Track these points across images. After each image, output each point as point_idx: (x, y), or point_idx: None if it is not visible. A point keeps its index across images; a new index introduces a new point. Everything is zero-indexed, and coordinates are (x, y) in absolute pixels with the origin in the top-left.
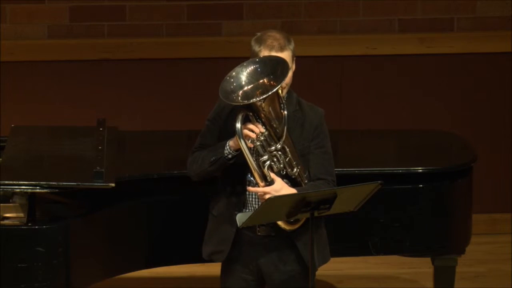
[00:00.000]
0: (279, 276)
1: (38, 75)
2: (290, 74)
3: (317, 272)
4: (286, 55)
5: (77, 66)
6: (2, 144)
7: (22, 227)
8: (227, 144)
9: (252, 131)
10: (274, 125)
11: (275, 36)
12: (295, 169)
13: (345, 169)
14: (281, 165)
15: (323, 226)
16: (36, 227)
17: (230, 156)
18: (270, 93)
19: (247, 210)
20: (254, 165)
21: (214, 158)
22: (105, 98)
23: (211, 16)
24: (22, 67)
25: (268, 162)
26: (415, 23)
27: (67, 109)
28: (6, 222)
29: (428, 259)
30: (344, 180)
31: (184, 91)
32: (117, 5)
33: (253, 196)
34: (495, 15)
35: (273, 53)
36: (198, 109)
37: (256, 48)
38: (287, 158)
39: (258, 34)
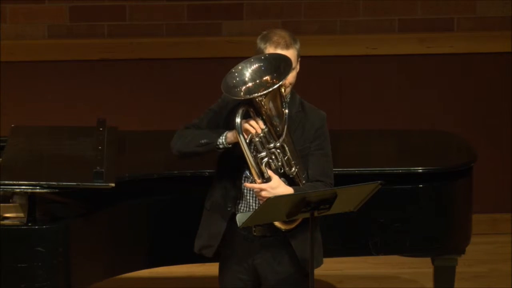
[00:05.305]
0: (274, 276)
1: (38, 75)
2: (294, 73)
3: (317, 272)
4: (291, 53)
5: (77, 66)
6: (2, 144)
7: (22, 227)
8: (224, 134)
9: (252, 126)
10: (275, 123)
11: (281, 34)
12: (293, 169)
13: (345, 169)
14: (279, 163)
15: (319, 230)
16: (36, 227)
17: (221, 146)
18: (271, 89)
19: (242, 206)
20: (252, 161)
21: (204, 141)
22: (105, 98)
23: (211, 16)
24: (22, 67)
25: (266, 159)
26: (415, 23)
27: (67, 109)
28: (6, 222)
29: (428, 259)
30: (344, 180)
31: (184, 91)
32: (117, 5)
33: (249, 192)
34: (495, 15)
35: (279, 50)
36: (198, 109)
37: (261, 45)
38: (286, 157)
39: (264, 32)
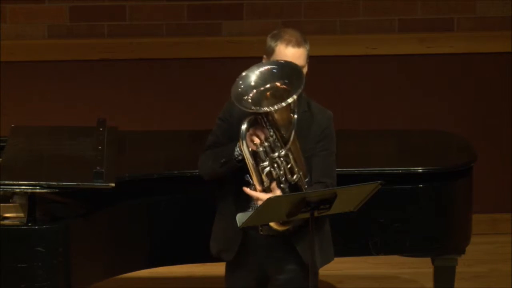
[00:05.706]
0: (280, 275)
1: (38, 75)
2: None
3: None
4: (301, 52)
5: (77, 66)
6: (2, 144)
7: (22, 227)
8: (237, 146)
9: (258, 136)
10: (282, 130)
11: (292, 33)
12: (295, 176)
13: (345, 169)
14: (281, 172)
15: (327, 226)
16: (36, 227)
17: (240, 157)
18: (284, 104)
19: (251, 209)
20: (253, 169)
21: (224, 160)
22: (105, 98)
23: (211, 16)
24: (22, 67)
25: (267, 169)
26: (415, 23)
27: (67, 109)
28: (6, 222)
29: (428, 259)
30: (344, 180)
31: (184, 91)
32: (117, 5)
33: None
34: (495, 15)
35: (290, 48)
36: (198, 109)
37: (272, 43)
38: (289, 165)
39: (275, 31)
